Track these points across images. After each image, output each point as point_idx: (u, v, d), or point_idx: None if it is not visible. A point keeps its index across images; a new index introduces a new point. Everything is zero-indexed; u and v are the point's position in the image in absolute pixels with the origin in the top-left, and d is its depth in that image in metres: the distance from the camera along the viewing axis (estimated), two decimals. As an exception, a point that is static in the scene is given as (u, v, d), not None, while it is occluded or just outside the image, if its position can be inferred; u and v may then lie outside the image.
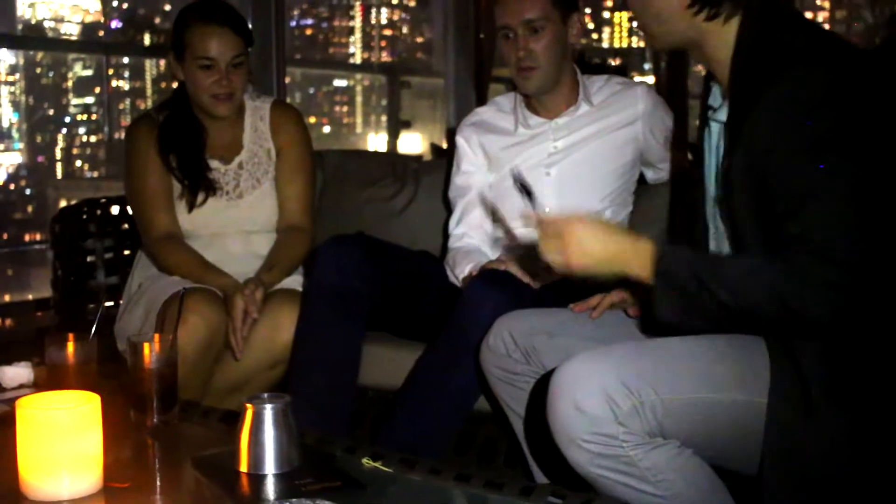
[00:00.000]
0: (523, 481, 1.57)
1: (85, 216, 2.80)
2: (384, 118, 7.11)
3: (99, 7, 7.52)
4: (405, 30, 9.22)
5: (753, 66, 1.58)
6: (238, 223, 2.64)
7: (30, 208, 7.25)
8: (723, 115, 1.68)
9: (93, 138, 7.49)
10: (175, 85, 2.66)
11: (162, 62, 7.38)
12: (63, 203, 7.26)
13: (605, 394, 1.52)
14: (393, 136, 6.77)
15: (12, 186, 7.00)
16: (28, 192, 7.18)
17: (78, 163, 7.69)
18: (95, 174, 7.52)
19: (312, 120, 8.68)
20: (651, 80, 8.72)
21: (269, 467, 1.52)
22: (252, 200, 2.65)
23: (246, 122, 2.69)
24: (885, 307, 1.48)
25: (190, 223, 2.60)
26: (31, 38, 6.61)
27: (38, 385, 1.94)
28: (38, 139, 7.46)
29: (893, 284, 1.46)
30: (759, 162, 1.53)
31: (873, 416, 1.52)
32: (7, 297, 5.58)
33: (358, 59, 9.44)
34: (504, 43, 2.45)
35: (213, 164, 2.63)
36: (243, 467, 1.53)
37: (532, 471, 2.00)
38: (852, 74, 1.51)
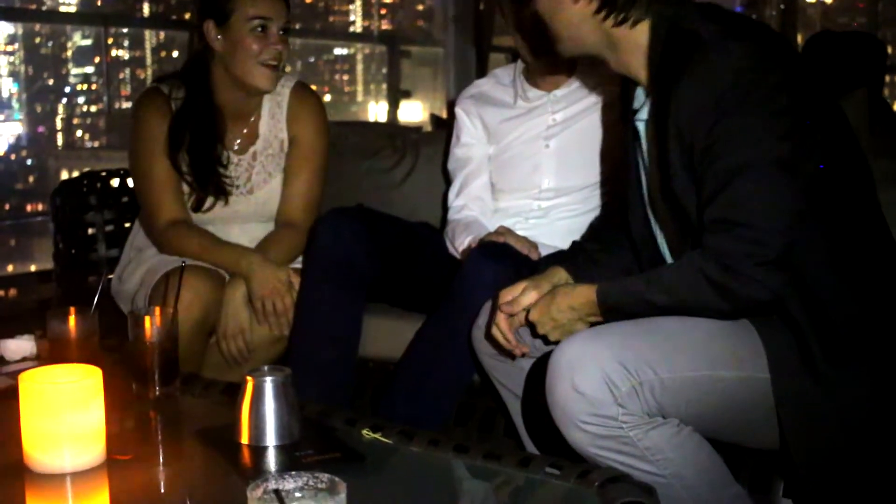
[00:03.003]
0: (522, 452, 1.59)
1: (85, 189, 2.80)
2: (384, 86, 7.09)
3: (96, -25, 7.48)
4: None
5: (670, 58, 1.60)
6: (243, 214, 2.57)
7: (31, 179, 7.25)
8: (644, 113, 1.71)
9: (93, 108, 7.48)
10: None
11: (161, 34, 7.37)
12: (64, 173, 7.26)
13: (604, 375, 1.53)
14: (393, 106, 6.76)
15: (13, 157, 7.00)
16: (29, 162, 7.18)
17: (78, 133, 7.68)
18: (96, 144, 7.51)
19: (313, 88, 8.64)
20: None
21: (270, 439, 1.54)
22: (263, 196, 2.57)
23: (264, 108, 2.58)
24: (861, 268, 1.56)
25: (195, 214, 2.53)
26: (29, 10, 6.57)
27: (41, 358, 1.95)
28: (38, 109, 7.44)
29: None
30: (688, 146, 1.57)
31: (879, 373, 1.55)
32: (10, 268, 5.61)
33: (358, 27, 9.40)
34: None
35: (226, 155, 2.53)
36: (244, 439, 1.55)
37: (526, 447, 2.02)
38: (768, 46, 1.55)
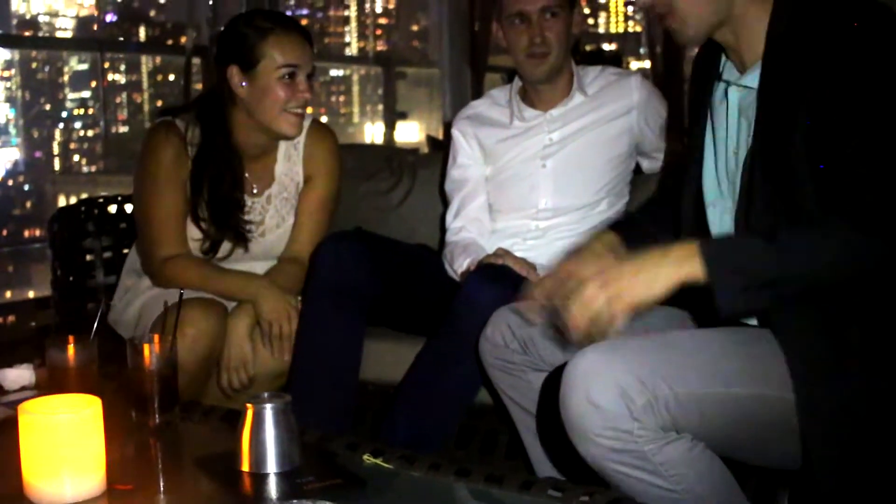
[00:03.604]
0: (524, 476, 1.57)
1: (83, 216, 2.80)
2: (381, 107, 7.11)
3: (93, 1, 7.51)
4: (400, 18, 9.21)
5: (803, 27, 1.60)
6: (251, 256, 2.53)
7: (28, 204, 7.27)
8: (752, 80, 1.69)
9: (90, 133, 7.50)
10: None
11: (158, 58, 7.39)
12: (62, 198, 7.27)
13: (620, 389, 1.50)
14: (389, 128, 6.77)
15: (10, 182, 7.01)
16: (26, 187, 7.20)
17: (76, 157, 7.70)
18: (93, 168, 7.53)
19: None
20: (647, 64, 8.71)
21: (271, 466, 1.53)
22: (273, 239, 2.53)
23: (280, 149, 2.53)
24: None
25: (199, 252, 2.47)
26: (26, 37, 6.61)
27: (40, 387, 1.95)
28: (36, 134, 7.47)
29: None
30: (827, 121, 1.55)
31: None
32: (8, 294, 5.60)
33: (354, 48, 9.44)
34: (513, 30, 2.45)
35: (244, 199, 2.48)
36: (245, 467, 1.54)
37: (532, 462, 2.02)
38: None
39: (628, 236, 1.95)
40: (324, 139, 2.59)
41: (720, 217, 1.79)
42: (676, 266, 1.52)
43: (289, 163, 2.54)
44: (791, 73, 1.62)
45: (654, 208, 2.08)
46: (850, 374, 1.54)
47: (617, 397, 1.50)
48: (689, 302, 1.70)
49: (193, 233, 2.45)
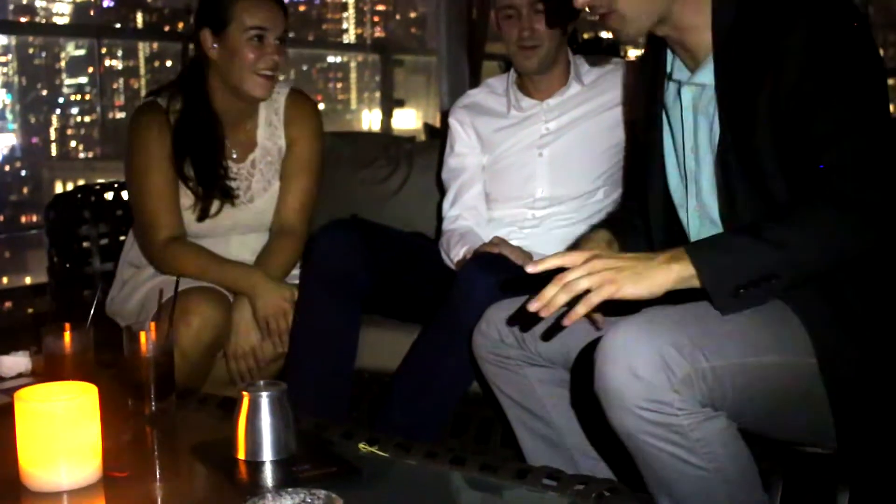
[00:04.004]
0: (518, 464, 1.58)
1: (79, 203, 2.80)
2: (378, 94, 7.10)
3: (90, -14, 7.50)
4: (398, 5, 9.19)
5: (751, 19, 1.62)
6: (244, 224, 2.56)
7: (25, 190, 7.26)
8: (704, 77, 1.71)
9: (87, 119, 7.49)
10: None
11: (155, 44, 7.38)
12: (58, 184, 7.27)
13: (662, 360, 1.49)
14: (387, 115, 6.77)
15: (7, 168, 7.01)
16: (23, 173, 7.19)
17: (72, 143, 7.69)
18: (90, 154, 7.52)
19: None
20: (642, 52, 8.69)
21: (267, 454, 1.53)
22: (263, 204, 2.56)
23: (260, 115, 2.57)
24: None
25: (195, 227, 2.50)
26: (22, 23, 6.58)
27: (36, 374, 1.95)
28: (32, 120, 7.45)
29: None
30: (789, 108, 1.58)
31: None
32: (5, 280, 5.60)
33: (351, 35, 9.42)
34: (505, 22, 2.46)
35: (229, 162, 2.52)
36: (241, 455, 1.54)
37: (525, 455, 2.02)
38: (853, 15, 1.59)
39: (620, 232, 1.97)
40: (303, 104, 2.63)
41: (688, 217, 1.82)
42: (667, 269, 1.55)
43: (270, 128, 2.57)
44: (745, 64, 1.63)
45: (631, 204, 2.08)
46: (857, 338, 1.57)
47: (658, 368, 1.49)
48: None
49: (185, 201, 2.48)
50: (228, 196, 2.49)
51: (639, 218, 1.99)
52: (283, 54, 2.45)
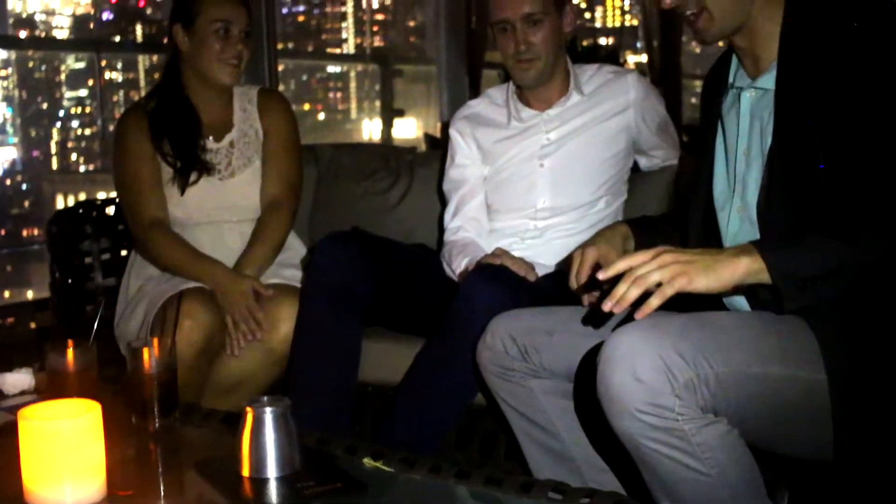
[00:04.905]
0: (523, 478, 1.57)
1: (80, 218, 2.81)
2: (378, 103, 7.10)
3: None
4: (397, 14, 9.20)
5: (817, 28, 1.65)
6: (231, 206, 2.65)
7: (27, 203, 7.25)
8: (766, 83, 1.73)
9: (87, 131, 7.49)
10: (157, 76, 2.73)
11: (155, 56, 7.37)
12: (60, 197, 7.27)
13: (664, 365, 1.51)
14: (387, 125, 6.77)
15: (8, 182, 7.00)
16: (24, 186, 7.18)
17: (73, 156, 7.69)
18: (91, 167, 7.52)
19: (307, 107, 8.66)
20: (644, 58, 8.71)
21: (271, 471, 1.53)
22: (244, 178, 2.67)
23: (235, 104, 2.74)
24: None
25: (183, 209, 2.61)
26: (21, 39, 6.60)
27: (40, 391, 1.95)
28: (33, 133, 7.45)
29: None
30: (844, 121, 1.59)
31: None
32: (7, 294, 5.60)
33: (351, 44, 9.42)
34: (501, 36, 2.46)
35: (206, 142, 2.66)
36: (245, 471, 1.54)
37: (531, 468, 2.02)
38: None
39: (639, 230, 1.98)
40: (273, 94, 2.88)
41: (729, 218, 1.81)
42: (736, 262, 1.55)
43: (245, 114, 2.74)
44: (806, 72, 1.65)
45: (671, 216, 2.11)
46: (869, 356, 1.56)
47: (660, 373, 1.51)
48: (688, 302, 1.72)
49: (166, 176, 2.62)
50: (206, 167, 2.63)
51: (667, 223, 2.00)
52: (248, 47, 2.65)
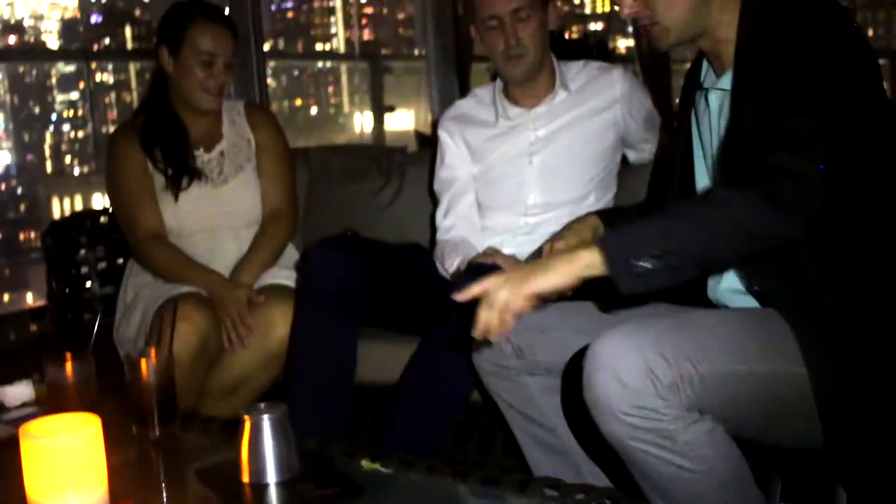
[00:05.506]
0: (519, 476, 1.59)
1: (76, 228, 2.82)
2: (369, 98, 7.09)
3: (76, 3, 7.49)
4: (386, 6, 9.19)
5: (766, 29, 1.66)
6: (226, 213, 2.67)
7: (22, 207, 7.26)
8: (726, 83, 1.75)
9: (80, 134, 7.49)
10: (144, 91, 2.77)
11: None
12: (55, 200, 7.26)
13: (647, 367, 1.53)
14: (378, 122, 6.77)
15: (3, 187, 7.01)
16: (19, 191, 7.19)
17: (67, 159, 7.69)
18: (85, 169, 7.52)
19: (299, 102, 8.66)
20: (631, 42, 8.69)
21: (271, 477, 1.55)
22: (237, 185, 2.70)
23: (224, 116, 2.77)
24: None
25: (176, 218, 2.64)
26: (12, 49, 6.61)
27: (40, 403, 1.97)
28: (26, 138, 7.45)
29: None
30: (763, 96, 1.61)
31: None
32: (6, 297, 5.61)
33: (341, 38, 9.42)
34: (488, 33, 2.47)
35: (196, 153, 2.69)
36: (245, 478, 1.56)
37: (529, 463, 2.04)
38: (840, 23, 1.61)
39: (609, 221, 2.00)
40: (261, 110, 2.98)
41: None
42: (575, 257, 1.59)
43: (233, 125, 2.77)
44: (754, 74, 1.67)
45: (643, 206, 2.13)
46: (842, 342, 1.59)
47: (644, 375, 1.53)
48: (675, 296, 1.75)
49: (159, 184, 2.65)
50: (197, 174, 2.66)
51: (639, 213, 2.03)
52: (231, 76, 2.69)
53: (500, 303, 1.60)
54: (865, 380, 1.58)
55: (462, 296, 1.66)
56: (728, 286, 1.79)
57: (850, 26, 1.62)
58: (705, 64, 1.85)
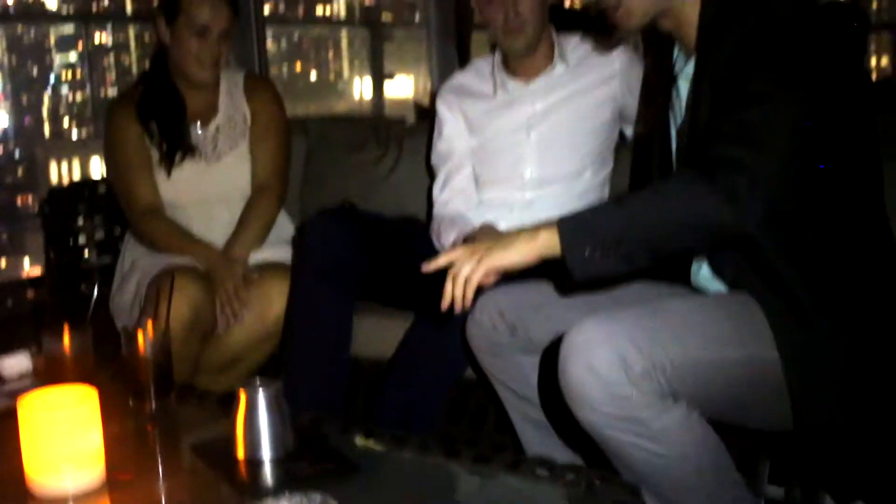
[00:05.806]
0: (511, 455, 1.61)
1: (73, 198, 2.82)
2: (368, 65, 7.05)
3: (76, -35, 7.42)
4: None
5: (727, 14, 1.65)
6: (220, 187, 2.69)
7: (20, 171, 7.25)
8: (691, 69, 1.75)
9: (78, 97, 7.45)
10: (147, 65, 2.76)
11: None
12: (53, 164, 7.25)
13: (619, 356, 1.54)
14: (378, 90, 6.74)
15: (1, 150, 6.99)
16: (17, 154, 7.17)
17: (66, 122, 7.66)
18: (84, 132, 7.49)
19: (299, 68, 8.61)
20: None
21: (265, 453, 1.57)
22: (231, 162, 2.71)
23: (221, 88, 2.76)
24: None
25: (172, 191, 2.65)
26: (11, 15, 6.57)
27: (38, 374, 1.98)
28: (24, 100, 7.42)
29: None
30: (721, 82, 1.62)
31: (869, 324, 1.61)
32: (3, 262, 5.62)
33: (341, 2, 9.34)
34: (488, 6, 2.45)
35: (192, 128, 2.69)
36: (240, 454, 1.58)
37: (521, 441, 2.06)
38: (807, 10, 1.60)
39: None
40: (260, 79, 2.94)
41: None
42: (534, 236, 1.61)
43: (231, 99, 2.76)
44: (715, 60, 1.67)
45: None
46: (814, 329, 1.60)
47: (616, 364, 1.54)
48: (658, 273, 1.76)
49: (154, 158, 2.66)
50: (191, 150, 2.68)
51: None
52: (227, 46, 2.67)
53: (461, 276, 1.64)
54: (836, 364, 1.60)
55: (429, 266, 1.69)
56: (707, 273, 1.81)
57: (822, 7, 1.60)
58: (677, 48, 1.84)
